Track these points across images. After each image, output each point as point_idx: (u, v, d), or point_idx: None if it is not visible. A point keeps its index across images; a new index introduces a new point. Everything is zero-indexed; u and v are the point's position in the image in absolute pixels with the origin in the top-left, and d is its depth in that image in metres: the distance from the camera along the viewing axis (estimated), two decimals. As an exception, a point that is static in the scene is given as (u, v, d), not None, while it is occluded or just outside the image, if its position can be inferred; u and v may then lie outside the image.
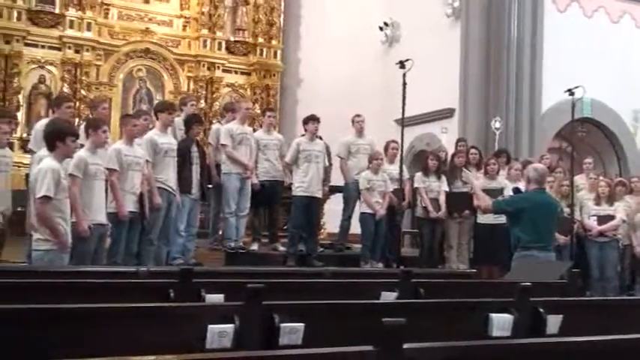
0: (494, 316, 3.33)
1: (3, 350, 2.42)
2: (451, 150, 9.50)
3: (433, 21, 12.19)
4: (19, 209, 6.60)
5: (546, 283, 4.71)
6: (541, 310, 3.45)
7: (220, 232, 8.40)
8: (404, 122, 7.73)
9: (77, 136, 5.52)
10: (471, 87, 11.47)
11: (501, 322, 3.33)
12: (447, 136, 10.97)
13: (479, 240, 8.50)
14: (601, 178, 9.28)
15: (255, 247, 8.35)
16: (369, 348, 2.04)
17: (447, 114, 11.98)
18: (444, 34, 12.04)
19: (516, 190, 8.11)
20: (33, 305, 2.71)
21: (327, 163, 8.48)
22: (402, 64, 7.36)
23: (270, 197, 8.36)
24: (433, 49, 11.56)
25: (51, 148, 5.31)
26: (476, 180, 7.50)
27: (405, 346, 2.07)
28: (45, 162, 5.24)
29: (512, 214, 6.04)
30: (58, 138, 5.29)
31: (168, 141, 7.14)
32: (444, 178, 8.64)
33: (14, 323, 2.54)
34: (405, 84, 7.33)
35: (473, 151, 9.10)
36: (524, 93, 11.25)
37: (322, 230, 9.51)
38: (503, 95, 11.25)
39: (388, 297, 4.01)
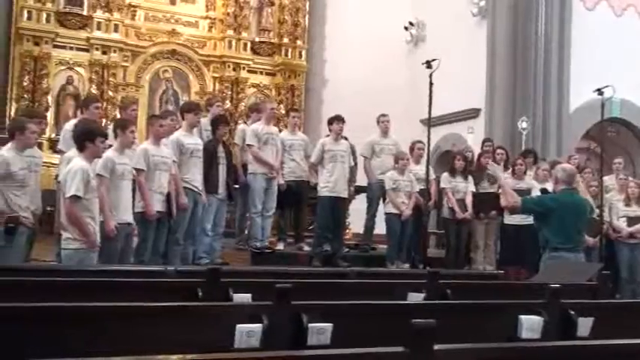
0: (523, 317, 3.29)
1: (33, 347, 2.45)
2: (477, 150, 9.43)
3: (459, 20, 12.13)
4: (48, 209, 6.68)
5: (576, 285, 4.64)
6: (571, 312, 3.41)
7: (246, 232, 8.42)
8: (430, 123, 7.67)
9: (106, 137, 5.58)
10: (498, 86, 11.39)
11: (531, 324, 3.30)
12: (473, 137, 10.88)
13: (506, 241, 8.42)
14: (630, 178, 9.14)
15: (280, 247, 8.37)
16: (400, 349, 2.03)
17: (472, 114, 11.91)
18: (469, 33, 11.97)
19: (544, 191, 8.02)
20: (62, 303, 2.73)
21: (352, 163, 8.47)
22: (428, 64, 7.31)
23: (296, 197, 8.37)
24: (459, 49, 11.49)
25: (80, 148, 5.37)
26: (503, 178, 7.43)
27: (436, 347, 2.05)
28: (74, 162, 5.30)
29: (540, 214, 5.97)
30: (87, 138, 5.34)
31: (194, 141, 7.18)
32: (470, 178, 8.58)
33: (44, 321, 2.56)
34: (431, 84, 7.28)
35: (499, 151, 9.03)
36: (552, 92, 11.13)
37: (347, 230, 9.48)
38: (531, 95, 11.15)
39: (415, 298, 3.98)
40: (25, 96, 12.13)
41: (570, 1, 11.41)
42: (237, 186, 8.02)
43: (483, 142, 9.46)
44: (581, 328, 3.38)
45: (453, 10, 12.30)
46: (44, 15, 12.38)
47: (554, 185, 6.09)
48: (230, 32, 13.83)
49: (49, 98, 12.41)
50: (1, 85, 12.27)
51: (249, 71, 14.03)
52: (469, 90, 11.58)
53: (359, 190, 9.15)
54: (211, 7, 13.94)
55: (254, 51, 14.11)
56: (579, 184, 8.07)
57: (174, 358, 2.43)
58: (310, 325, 2.74)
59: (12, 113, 11.85)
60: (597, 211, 8.15)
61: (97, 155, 5.51)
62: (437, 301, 3.75)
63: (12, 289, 3.31)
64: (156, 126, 6.84)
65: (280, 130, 8.78)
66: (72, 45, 12.73)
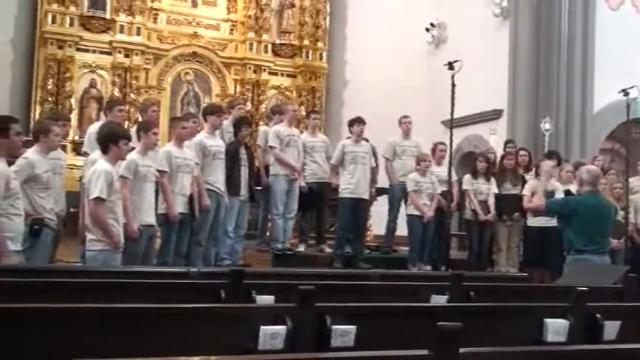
0: (549, 321, 3.26)
1: (57, 348, 2.46)
2: (500, 152, 9.37)
3: (481, 21, 12.06)
4: (71, 210, 6.74)
5: (602, 288, 4.59)
6: (598, 315, 3.36)
7: (268, 234, 8.44)
8: (453, 124, 7.63)
9: (129, 139, 5.62)
10: (520, 87, 11.31)
11: (557, 328, 3.26)
12: (495, 138, 10.82)
13: (529, 243, 8.34)
14: (656, 180, 9.01)
15: (302, 248, 8.37)
16: (425, 352, 2.02)
17: (494, 115, 11.83)
18: (491, 34, 11.90)
19: (568, 193, 7.95)
20: (86, 305, 2.75)
21: (373, 165, 8.45)
22: (450, 65, 7.28)
23: (318, 199, 8.37)
24: (481, 50, 11.43)
25: (104, 150, 5.42)
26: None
27: (461, 350, 2.04)
28: (98, 164, 5.35)
29: (565, 216, 5.91)
30: (111, 141, 5.39)
31: (217, 143, 7.21)
32: (493, 180, 8.52)
33: (68, 322, 2.58)
34: (453, 85, 7.24)
35: (522, 152, 8.96)
36: (575, 93, 11.02)
37: (368, 232, 9.46)
38: (554, 95, 11.05)
39: (438, 300, 3.97)
40: (49, 99, 12.26)
41: (594, 0, 11.30)
42: (259, 188, 8.04)
43: (506, 143, 9.40)
44: (608, 331, 3.34)
45: (474, 11, 12.24)
46: (68, 19, 12.51)
47: (579, 187, 6.03)
48: (251, 34, 13.88)
49: (73, 101, 12.53)
50: (26, 89, 12.43)
51: (270, 73, 14.06)
52: (491, 91, 11.51)
53: (380, 191, 9.13)
54: (232, 10, 13.99)
55: (275, 53, 14.14)
56: (604, 186, 8.00)
57: (196, 359, 2.45)
58: (334, 327, 2.74)
59: (36, 116, 11.99)
60: (622, 213, 8.05)
61: (120, 157, 5.55)
62: (463, 304, 3.73)
63: (37, 290, 3.34)
64: (178, 128, 6.88)
65: (301, 132, 8.78)
66: (95, 48, 12.86)
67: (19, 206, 4.72)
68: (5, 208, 4.56)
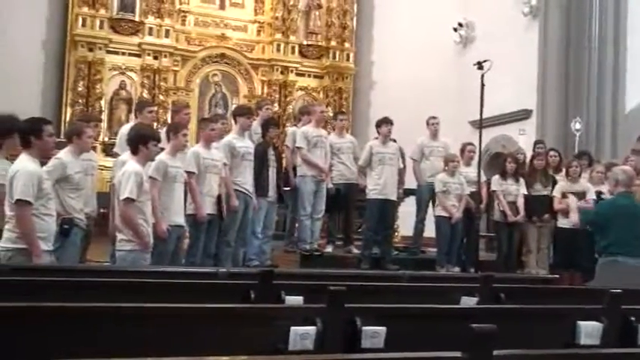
0: (582, 323, 3.21)
1: (86, 346, 2.48)
2: (529, 152, 9.26)
3: (509, 20, 11.96)
4: (102, 211, 6.81)
5: (636, 291, 4.50)
6: (632, 318, 3.30)
7: (295, 235, 8.44)
8: (482, 124, 7.57)
9: (159, 141, 5.67)
10: (550, 87, 11.19)
11: (590, 330, 3.21)
12: (524, 138, 10.70)
13: (560, 245, 8.24)
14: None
15: (329, 249, 8.37)
16: (458, 354, 2.00)
17: (523, 115, 11.72)
18: (520, 33, 11.79)
19: (599, 194, 7.84)
20: (117, 304, 2.77)
21: (401, 166, 8.41)
22: (479, 65, 7.24)
23: (345, 200, 8.36)
24: (509, 50, 11.32)
25: (134, 151, 5.47)
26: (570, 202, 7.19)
27: (495, 352, 2.01)
28: (128, 165, 5.40)
29: (600, 224, 5.81)
30: (140, 142, 5.44)
31: (246, 144, 7.23)
32: (522, 181, 8.42)
33: (98, 321, 2.60)
34: (483, 85, 7.19)
35: (552, 153, 8.85)
36: (606, 92, 10.85)
37: (396, 233, 9.42)
38: (584, 95, 10.90)
39: (468, 302, 3.93)
40: (80, 101, 12.42)
41: (626, -2, 11.13)
42: (287, 188, 8.05)
43: (535, 144, 9.29)
44: (643, 335, 3.28)
45: (502, 11, 12.13)
46: (98, 22, 12.66)
47: (612, 187, 5.93)
48: (278, 36, 13.92)
49: (103, 103, 12.68)
50: (57, 91, 12.61)
51: (297, 74, 14.08)
52: (520, 91, 11.40)
53: (408, 192, 9.09)
54: (260, 11, 14.05)
55: (302, 54, 14.17)
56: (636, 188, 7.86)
57: (224, 359, 2.45)
58: (364, 328, 2.72)
59: (67, 118, 12.17)
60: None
61: (150, 158, 5.60)
62: (495, 305, 3.69)
63: (68, 289, 3.38)
64: (207, 129, 6.92)
65: (328, 133, 8.78)
66: (124, 50, 13.00)
67: (51, 207, 4.78)
68: (37, 209, 4.62)
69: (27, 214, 4.56)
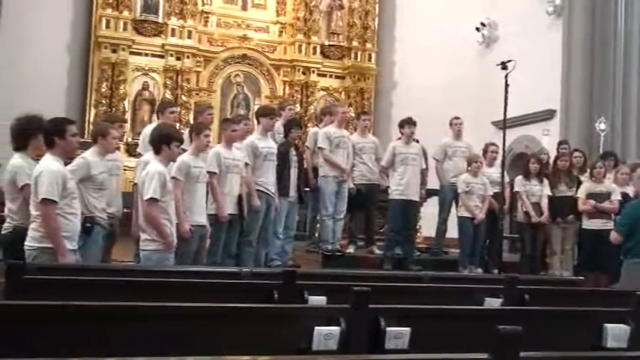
0: (609, 326, 3.17)
1: (114, 345, 2.50)
2: (553, 153, 9.17)
3: (533, 20, 11.86)
4: (125, 211, 6.86)
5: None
6: (660, 321, 3.25)
7: (317, 235, 8.44)
8: (506, 125, 7.51)
9: (182, 141, 5.69)
10: (574, 87, 11.06)
11: (617, 333, 3.17)
12: (548, 139, 10.60)
13: (584, 246, 8.13)
14: None
15: (351, 249, 8.35)
16: (484, 355, 1.98)
17: (547, 115, 11.62)
18: (544, 33, 11.68)
19: (625, 196, 7.75)
20: (141, 303, 2.79)
21: (423, 166, 8.38)
22: (503, 65, 7.16)
23: (367, 200, 8.34)
24: (533, 49, 11.23)
25: (157, 151, 5.50)
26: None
27: (522, 354, 1.99)
28: (152, 165, 5.43)
29: (631, 226, 5.72)
30: (163, 142, 5.47)
31: (268, 145, 7.24)
32: (546, 181, 8.33)
33: (122, 319, 2.62)
34: (507, 85, 7.12)
35: (576, 154, 8.75)
36: (632, 92, 10.71)
37: (418, 234, 9.38)
38: (609, 95, 10.77)
39: (492, 303, 3.90)
40: (104, 102, 12.55)
41: (651, -5, 10.98)
42: (307, 189, 8.05)
43: (559, 144, 9.19)
44: (671, 338, 3.22)
45: (526, 10, 12.03)
46: (121, 23, 12.77)
47: (638, 188, 5.84)
48: (300, 36, 13.94)
49: (126, 103, 12.79)
50: (81, 92, 12.74)
51: (318, 75, 14.09)
52: (543, 91, 11.29)
53: (430, 193, 9.04)
54: (282, 12, 14.08)
55: (324, 54, 14.17)
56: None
57: (245, 358, 2.46)
58: (388, 328, 2.71)
59: (91, 118, 12.29)
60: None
61: (172, 159, 5.63)
62: (521, 307, 3.65)
63: (92, 288, 3.41)
64: (228, 130, 6.93)
65: (350, 133, 8.76)
66: (147, 52, 13.10)
67: (75, 206, 4.82)
68: (62, 208, 4.66)
69: (52, 214, 4.60)
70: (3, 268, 3.41)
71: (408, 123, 8.12)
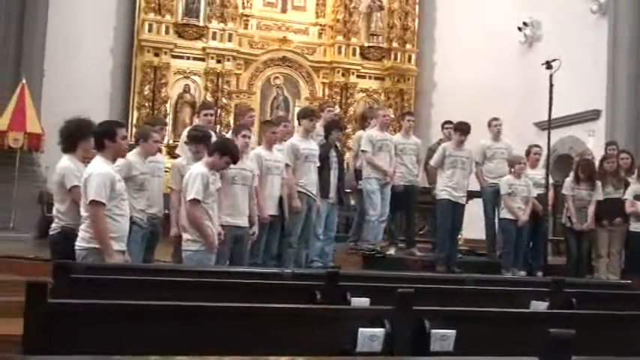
0: (661, 331, 3.07)
1: (153, 343, 2.51)
2: (598, 154, 8.97)
3: (577, 19, 11.63)
4: (165, 212, 6.93)
5: None
6: None
7: (355, 235, 8.42)
8: (550, 125, 7.38)
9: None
10: (620, 86, 10.80)
11: (669, 338, 3.07)
12: (593, 140, 10.38)
13: (632, 249, 7.94)
14: None
15: (392, 251, 8.31)
16: (534, 359, 1.93)
17: (592, 116, 11.38)
18: (588, 32, 11.44)
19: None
20: (183, 303, 2.80)
21: (473, 170, 8.29)
22: (548, 65, 7.04)
23: (407, 202, 8.28)
24: (577, 49, 11.00)
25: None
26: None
27: (573, 358, 1.94)
28: (195, 167, 5.51)
29: None
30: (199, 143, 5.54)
31: (309, 146, 7.24)
32: (598, 185, 8.05)
33: (165, 319, 2.64)
34: (552, 85, 7.00)
35: (624, 155, 8.55)
36: (681, 91, 10.43)
37: (460, 236, 9.27)
38: (657, 94, 10.49)
39: (539, 306, 3.82)
40: (146, 104, 12.74)
41: (700, -8, 10.68)
42: (348, 190, 8.03)
43: (607, 145, 8.99)
44: None
45: (570, 9, 11.80)
46: (163, 27, 12.96)
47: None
48: (339, 38, 13.93)
49: (168, 106, 12.97)
50: (124, 95, 12.95)
51: (358, 76, 14.07)
52: (588, 91, 11.06)
53: (470, 195, 8.93)
54: (321, 14, 14.10)
55: (363, 56, 14.14)
56: None
57: (284, 359, 2.45)
58: (433, 331, 2.67)
59: (134, 121, 12.49)
60: None
61: (215, 164, 5.64)
62: (570, 311, 3.57)
63: (137, 287, 3.44)
64: (268, 132, 6.96)
65: (393, 134, 8.71)
66: (189, 55, 13.27)
67: (124, 207, 4.88)
68: (110, 209, 4.72)
69: (100, 215, 4.66)
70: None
71: (460, 130, 7.98)
